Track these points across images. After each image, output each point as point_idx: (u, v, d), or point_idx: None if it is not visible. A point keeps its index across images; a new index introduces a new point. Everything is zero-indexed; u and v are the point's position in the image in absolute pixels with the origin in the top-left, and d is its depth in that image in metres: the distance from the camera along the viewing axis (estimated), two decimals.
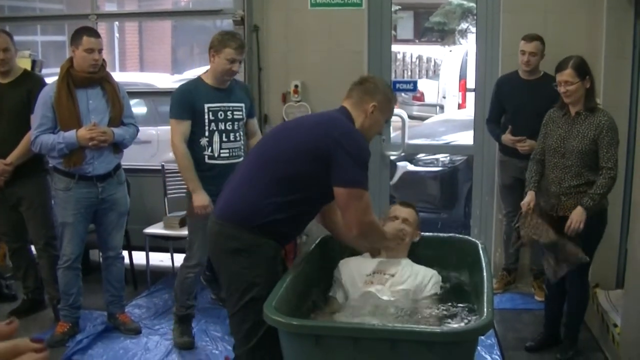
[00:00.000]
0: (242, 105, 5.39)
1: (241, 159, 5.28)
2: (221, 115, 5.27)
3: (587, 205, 4.86)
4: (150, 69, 15.06)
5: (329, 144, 3.53)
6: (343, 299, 4.01)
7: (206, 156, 5.25)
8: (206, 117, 5.22)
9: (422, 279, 4.01)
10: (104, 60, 5.41)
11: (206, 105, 5.21)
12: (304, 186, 3.62)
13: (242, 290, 3.64)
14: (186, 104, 5.20)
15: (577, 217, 4.88)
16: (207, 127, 5.23)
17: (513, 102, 6.02)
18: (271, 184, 3.63)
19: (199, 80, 5.35)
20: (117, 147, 5.43)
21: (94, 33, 5.36)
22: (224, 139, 5.28)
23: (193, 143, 5.23)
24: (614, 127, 4.88)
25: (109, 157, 5.41)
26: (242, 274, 3.64)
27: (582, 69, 4.92)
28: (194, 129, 5.21)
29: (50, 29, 11.08)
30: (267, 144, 3.90)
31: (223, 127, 5.28)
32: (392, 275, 4.00)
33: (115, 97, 5.39)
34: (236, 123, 5.34)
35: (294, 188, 3.61)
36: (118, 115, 5.39)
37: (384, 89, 3.87)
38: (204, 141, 5.24)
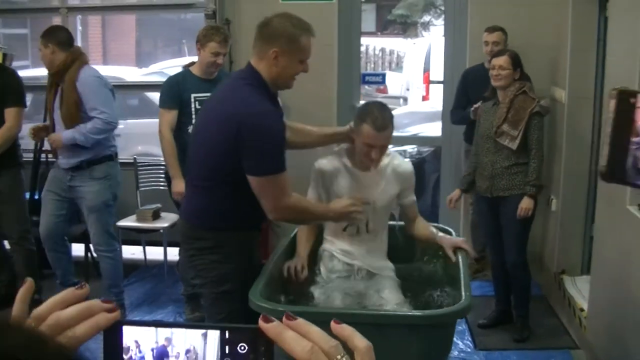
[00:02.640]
0: None
1: None
2: None
3: (532, 193, 5.27)
4: (114, 62, 15.01)
5: (234, 132, 3.34)
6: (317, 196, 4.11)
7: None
8: (193, 106, 5.44)
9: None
10: (70, 56, 5.49)
11: (193, 95, 5.44)
12: (234, 174, 3.45)
13: (214, 284, 3.66)
14: (174, 94, 5.44)
15: (526, 206, 5.27)
16: (193, 116, 5.42)
17: (478, 92, 6.16)
18: (206, 181, 3.60)
19: (187, 71, 5.58)
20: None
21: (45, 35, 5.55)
22: None
23: (181, 131, 5.41)
24: (541, 114, 5.34)
25: (72, 153, 5.52)
26: (212, 269, 3.65)
27: (517, 61, 5.32)
28: (182, 118, 5.42)
29: (13, 21, 11.02)
30: (193, 138, 3.87)
31: None
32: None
33: (68, 95, 5.42)
34: None
35: (227, 178, 3.51)
36: (67, 115, 5.43)
37: (285, 29, 3.48)
38: (191, 129, 5.34)
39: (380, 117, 3.77)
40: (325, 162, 4.10)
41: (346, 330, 1.02)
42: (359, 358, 1.00)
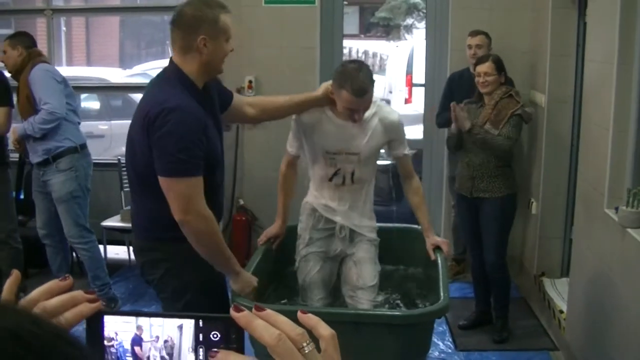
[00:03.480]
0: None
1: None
2: None
3: (470, 127, 5.28)
4: (97, 63, 14.99)
5: (145, 131, 3.16)
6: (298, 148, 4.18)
7: None
8: None
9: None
10: (28, 55, 5.71)
11: None
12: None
13: (172, 300, 3.46)
14: None
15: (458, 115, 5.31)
16: None
17: (463, 96, 6.19)
18: (139, 190, 3.43)
19: None
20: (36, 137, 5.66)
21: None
22: None
23: None
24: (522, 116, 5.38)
25: (34, 147, 5.74)
26: (166, 284, 3.46)
27: (500, 65, 5.39)
28: None
29: None
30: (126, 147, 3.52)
31: None
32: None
33: (21, 90, 5.68)
34: None
35: (155, 185, 3.23)
36: (21, 109, 5.74)
37: (203, 14, 3.25)
38: None
39: (359, 81, 3.67)
40: (306, 115, 4.00)
41: (312, 319, 1.09)
42: (324, 345, 1.07)
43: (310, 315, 1.09)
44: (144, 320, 1.12)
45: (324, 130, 3.98)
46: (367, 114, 3.90)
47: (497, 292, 5.65)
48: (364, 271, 4.06)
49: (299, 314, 1.09)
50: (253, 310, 1.07)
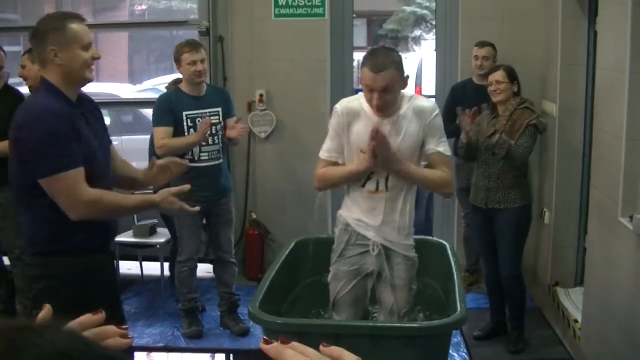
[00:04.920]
0: (219, 109, 5.72)
1: (220, 161, 5.73)
2: (199, 121, 5.56)
3: (501, 138, 5.24)
4: (107, 79, 15.05)
5: (16, 145, 3.19)
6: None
7: (187, 160, 5.46)
8: (185, 124, 5.57)
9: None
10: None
11: (184, 113, 5.57)
12: (35, 189, 3.20)
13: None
14: (167, 111, 5.56)
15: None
16: (186, 133, 5.57)
17: (464, 106, 6.18)
18: (20, 203, 3.40)
19: (177, 90, 5.71)
20: None
21: None
22: (203, 143, 5.55)
23: None
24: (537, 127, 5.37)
25: None
26: (42, 299, 2.99)
27: (513, 74, 5.40)
28: (175, 136, 5.55)
29: (6, 39, 11.05)
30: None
31: None
32: None
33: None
34: (213, 127, 5.62)
35: (32, 194, 3.23)
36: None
37: (48, 25, 3.27)
38: None
39: (380, 59, 3.63)
40: (346, 102, 3.93)
41: (335, 351, 1.13)
42: None
43: (333, 347, 1.13)
44: (175, 357, 1.14)
45: (360, 127, 3.84)
46: (403, 109, 3.80)
47: (512, 303, 5.63)
48: (400, 298, 3.90)
49: (322, 348, 1.13)
50: (279, 342, 1.11)
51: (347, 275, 3.99)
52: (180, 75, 5.79)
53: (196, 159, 5.61)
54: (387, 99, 3.69)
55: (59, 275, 3.27)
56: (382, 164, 3.76)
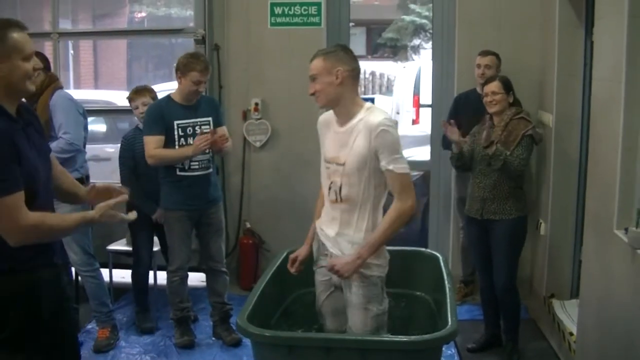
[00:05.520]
0: (209, 119, 5.69)
1: (210, 170, 5.71)
2: (189, 130, 5.58)
3: (497, 149, 5.19)
4: (105, 86, 15.03)
5: None
6: None
7: (177, 168, 5.62)
8: (176, 133, 5.56)
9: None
10: (48, 78, 5.58)
11: (175, 122, 5.55)
12: None
13: None
14: (158, 120, 5.53)
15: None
16: (177, 142, 5.57)
17: (468, 116, 6.15)
18: None
19: (168, 98, 5.66)
20: None
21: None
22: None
23: None
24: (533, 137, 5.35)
25: None
26: None
27: (508, 85, 5.39)
28: (166, 145, 5.53)
29: None
30: None
31: (192, 142, 5.55)
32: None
33: (40, 115, 5.43)
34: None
35: None
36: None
37: None
38: None
39: (323, 49, 3.90)
40: (326, 114, 4.03)
41: None
42: None
43: None
44: None
45: (327, 135, 3.97)
46: (355, 120, 3.79)
47: (507, 314, 5.59)
48: (352, 318, 3.82)
49: None
50: None
51: (321, 285, 4.03)
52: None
53: (186, 167, 5.59)
54: (315, 87, 3.81)
55: (9, 292, 3.14)
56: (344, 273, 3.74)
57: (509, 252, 5.42)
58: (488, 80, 5.47)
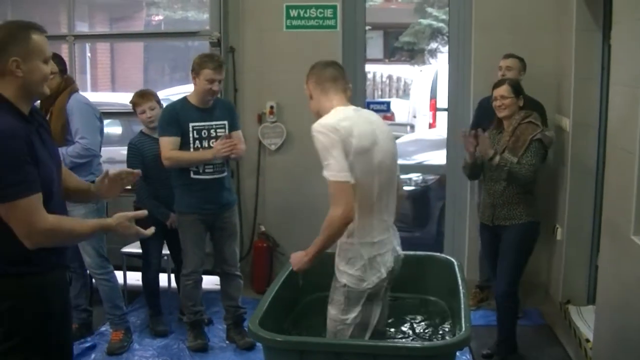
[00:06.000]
0: (225, 122, 5.66)
1: (224, 173, 5.67)
2: (205, 133, 5.55)
3: (492, 156, 5.17)
4: (121, 89, 15.07)
5: None
6: None
7: (192, 171, 5.58)
8: (191, 135, 5.52)
9: None
10: (64, 82, 5.61)
11: (191, 125, 5.52)
12: None
13: (6, 336, 3.17)
14: (173, 121, 5.50)
15: (484, 150, 5.22)
16: (192, 145, 5.54)
17: (488, 121, 6.11)
18: None
19: (184, 100, 5.63)
20: None
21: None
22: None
23: None
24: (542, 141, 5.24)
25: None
26: (5, 319, 3.18)
27: (517, 88, 5.32)
28: (181, 148, 5.51)
29: None
30: None
31: (207, 145, 5.56)
32: None
33: (56, 118, 5.50)
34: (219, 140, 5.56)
35: None
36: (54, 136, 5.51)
37: (14, 34, 3.16)
38: None
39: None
40: None
41: None
42: None
43: None
44: None
45: None
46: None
47: (501, 322, 5.45)
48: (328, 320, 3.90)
49: None
50: None
51: None
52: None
53: (200, 171, 5.57)
54: None
55: (21, 295, 3.18)
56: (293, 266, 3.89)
57: (514, 257, 5.31)
58: (497, 84, 5.41)
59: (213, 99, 5.59)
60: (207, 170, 5.58)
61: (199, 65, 5.47)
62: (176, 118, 5.51)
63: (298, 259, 3.86)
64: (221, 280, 6.00)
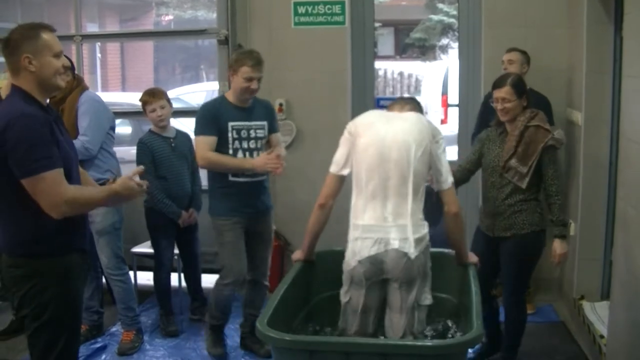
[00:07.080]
0: (265, 123, 5.47)
1: (264, 177, 5.47)
2: (244, 133, 5.35)
3: (563, 234, 4.93)
4: (132, 88, 15.08)
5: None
6: None
7: (230, 174, 5.33)
8: (230, 135, 5.31)
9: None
10: (75, 80, 5.61)
11: (230, 124, 5.30)
12: (18, 192, 3.42)
13: (34, 314, 3.56)
14: (211, 120, 5.29)
15: (560, 251, 4.94)
16: (231, 145, 5.32)
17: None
18: (3, 206, 3.56)
19: (223, 98, 5.46)
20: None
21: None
22: (247, 157, 5.35)
23: None
24: (555, 147, 4.97)
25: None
26: (32, 297, 3.55)
27: (520, 88, 4.90)
28: (219, 148, 5.29)
29: None
30: None
31: (246, 146, 5.36)
32: None
33: (68, 117, 5.47)
34: (259, 141, 5.41)
35: (12, 197, 3.47)
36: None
37: (21, 34, 3.48)
38: None
39: None
40: None
41: None
42: None
43: None
44: None
45: None
46: None
47: (508, 329, 5.20)
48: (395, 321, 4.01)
49: None
50: None
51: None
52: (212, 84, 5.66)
53: (239, 174, 5.34)
54: None
55: (45, 275, 3.53)
56: None
57: (516, 271, 5.04)
58: (497, 85, 5.00)
59: (252, 98, 5.38)
60: (246, 174, 5.34)
61: (236, 62, 5.25)
62: (215, 116, 5.29)
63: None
64: (247, 286, 5.73)
